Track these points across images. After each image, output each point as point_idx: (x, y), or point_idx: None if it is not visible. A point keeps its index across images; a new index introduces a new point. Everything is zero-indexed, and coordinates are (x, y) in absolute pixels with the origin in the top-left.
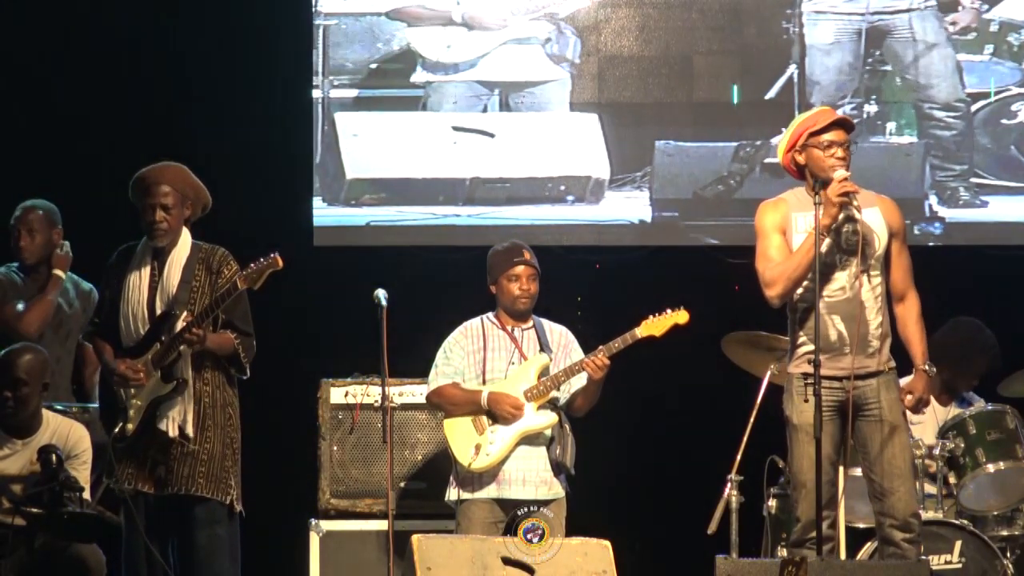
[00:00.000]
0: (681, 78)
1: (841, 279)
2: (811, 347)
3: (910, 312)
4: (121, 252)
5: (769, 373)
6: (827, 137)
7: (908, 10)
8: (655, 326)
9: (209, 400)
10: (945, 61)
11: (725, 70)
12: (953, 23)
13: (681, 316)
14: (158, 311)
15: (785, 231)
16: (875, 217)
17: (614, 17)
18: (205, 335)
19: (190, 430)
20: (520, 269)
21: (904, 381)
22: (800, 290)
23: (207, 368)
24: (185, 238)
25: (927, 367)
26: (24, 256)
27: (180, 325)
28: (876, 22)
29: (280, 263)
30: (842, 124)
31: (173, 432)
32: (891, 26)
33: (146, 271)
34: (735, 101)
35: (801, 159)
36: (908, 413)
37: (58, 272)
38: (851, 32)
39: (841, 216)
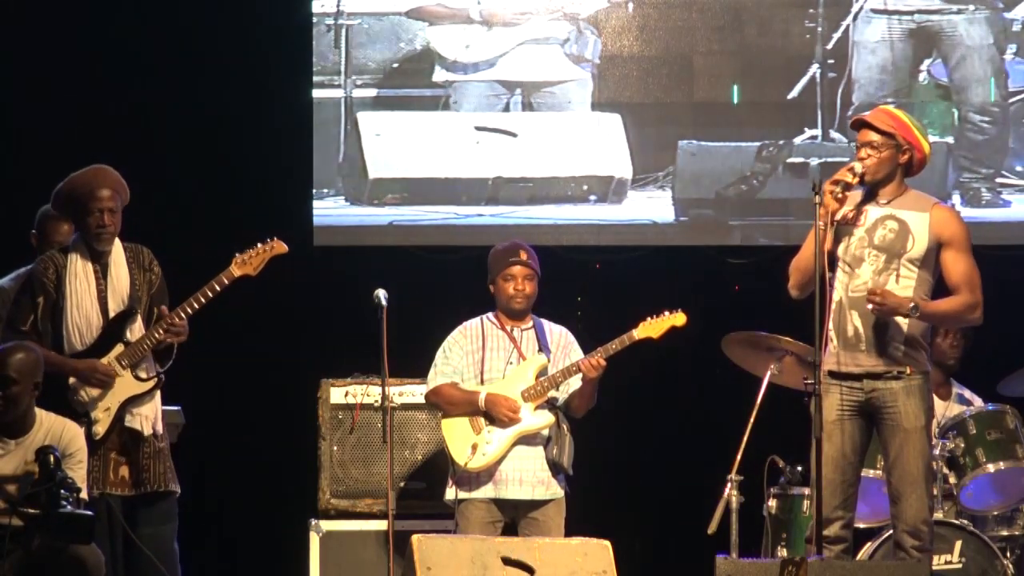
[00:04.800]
0: (681, 78)
1: (866, 275)
2: (834, 341)
3: (953, 297)
4: (48, 259)
5: (769, 373)
6: (859, 137)
7: (959, 12)
8: (652, 328)
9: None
10: (985, 65)
11: (726, 70)
12: None
13: (679, 318)
14: (111, 312)
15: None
16: (917, 221)
17: (614, 17)
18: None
19: (160, 427)
20: (515, 269)
21: None
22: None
23: None
24: (116, 238)
25: (916, 304)
26: None
27: (139, 323)
28: (924, 22)
29: (283, 247)
30: (864, 124)
31: (148, 431)
32: (940, 27)
33: (90, 274)
34: (737, 101)
35: None
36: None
37: None
38: (900, 32)
39: (881, 212)
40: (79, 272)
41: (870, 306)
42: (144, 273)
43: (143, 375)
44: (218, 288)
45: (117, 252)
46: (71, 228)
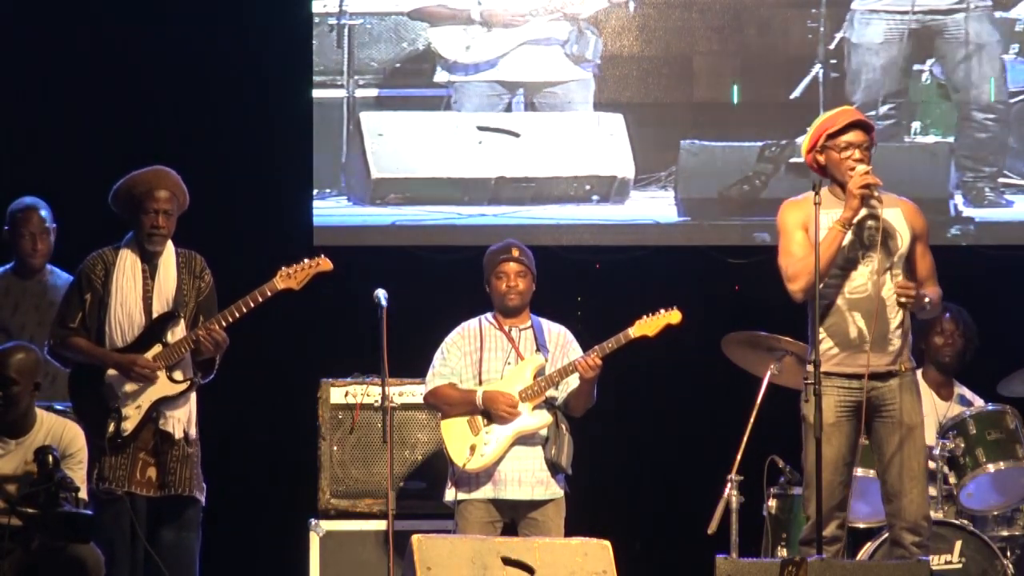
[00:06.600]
0: (681, 78)
1: (862, 276)
2: (829, 344)
3: (931, 288)
4: (98, 257)
5: (769, 373)
6: (844, 139)
7: (963, 10)
8: (648, 326)
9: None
10: (992, 63)
11: (726, 70)
12: None
13: (674, 316)
14: (154, 313)
15: (808, 228)
16: (897, 218)
17: (614, 17)
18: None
19: (193, 432)
20: (507, 266)
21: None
22: (821, 286)
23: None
24: (169, 242)
25: (929, 297)
26: (35, 263)
27: (181, 327)
28: (928, 22)
29: (328, 265)
30: (860, 125)
31: (179, 434)
32: (942, 26)
33: (138, 274)
34: (737, 101)
35: (822, 159)
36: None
37: None
38: (900, 31)
39: (864, 212)
40: (127, 270)
41: (903, 299)
42: (193, 280)
43: (178, 377)
44: (260, 299)
45: (168, 255)
46: (40, 219)
